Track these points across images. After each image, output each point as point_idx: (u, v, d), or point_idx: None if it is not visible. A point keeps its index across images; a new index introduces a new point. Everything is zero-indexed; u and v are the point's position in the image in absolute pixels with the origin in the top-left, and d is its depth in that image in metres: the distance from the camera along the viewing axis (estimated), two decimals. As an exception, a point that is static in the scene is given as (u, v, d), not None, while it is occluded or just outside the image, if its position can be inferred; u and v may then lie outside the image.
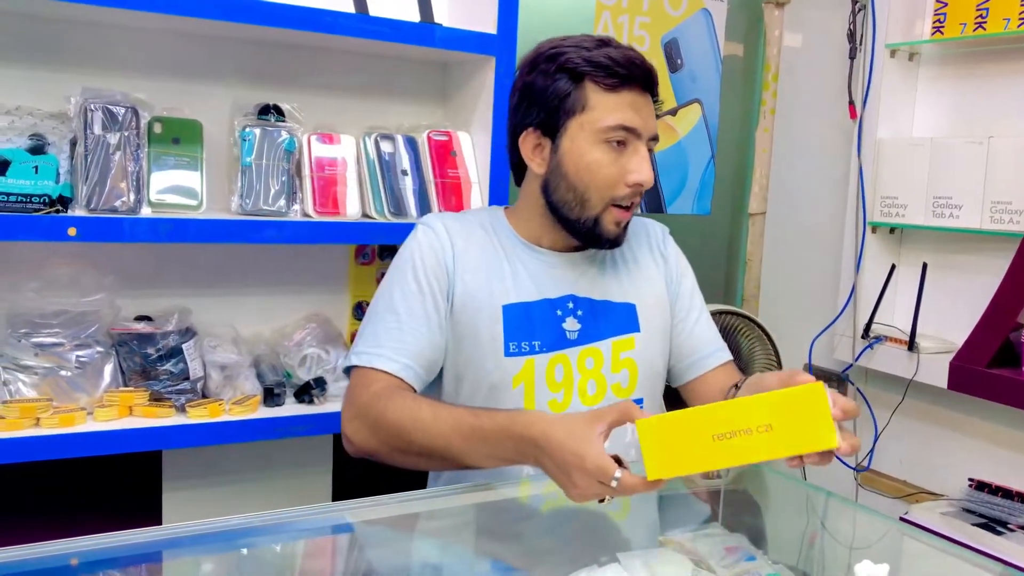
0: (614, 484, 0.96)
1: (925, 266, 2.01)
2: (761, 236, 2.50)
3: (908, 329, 2.02)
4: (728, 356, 1.45)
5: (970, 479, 1.92)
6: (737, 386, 1.30)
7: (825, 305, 2.27)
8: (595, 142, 1.24)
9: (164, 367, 1.60)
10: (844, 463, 2.22)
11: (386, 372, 1.23)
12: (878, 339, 2.10)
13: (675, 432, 0.95)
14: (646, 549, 1.08)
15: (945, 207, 1.96)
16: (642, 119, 1.24)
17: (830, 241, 2.29)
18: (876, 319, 2.10)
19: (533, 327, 1.29)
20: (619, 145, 1.23)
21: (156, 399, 1.59)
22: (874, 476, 2.19)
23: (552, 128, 1.27)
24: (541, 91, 1.26)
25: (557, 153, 1.27)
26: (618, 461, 0.98)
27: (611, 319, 1.35)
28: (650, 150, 1.28)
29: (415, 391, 1.25)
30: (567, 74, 1.24)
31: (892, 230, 2.14)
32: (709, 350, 1.43)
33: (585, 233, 1.29)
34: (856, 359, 2.14)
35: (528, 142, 1.30)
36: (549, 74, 1.26)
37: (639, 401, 1.35)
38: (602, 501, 1.01)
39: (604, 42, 1.25)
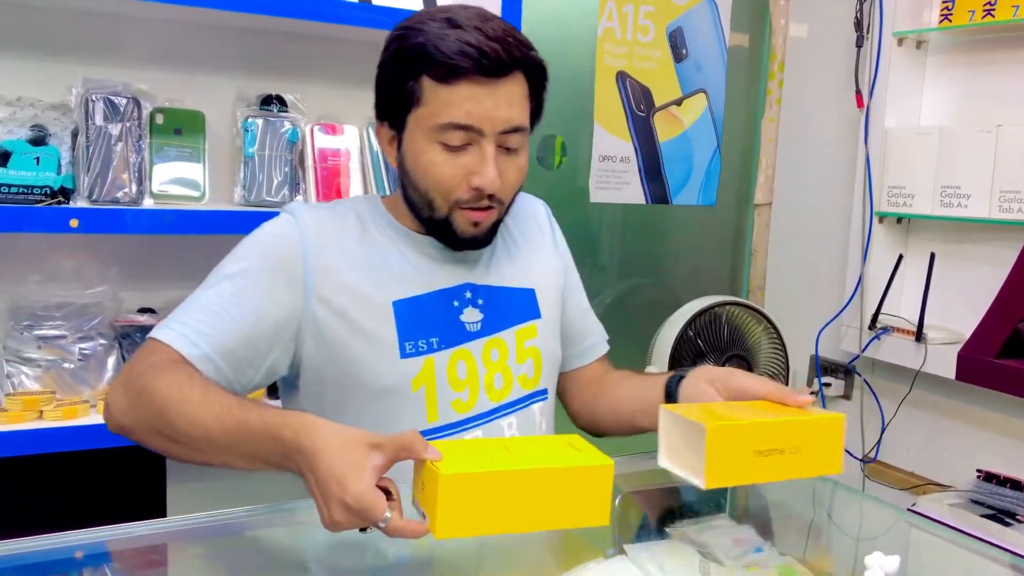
0: (382, 525, 0.85)
1: (933, 256, 1.99)
2: (767, 227, 2.48)
3: (915, 319, 2.00)
4: (607, 346, 1.40)
5: (978, 470, 1.90)
6: (681, 377, 1.19)
7: (831, 296, 2.26)
8: (429, 141, 1.10)
9: (167, 359, 1.60)
10: (851, 454, 2.21)
11: (181, 354, 1.05)
12: (885, 330, 2.08)
13: (738, 442, 0.95)
14: (653, 541, 1.07)
15: (953, 196, 1.94)
16: (485, 113, 1.08)
17: (837, 231, 2.27)
18: (883, 309, 2.08)
19: (428, 322, 1.17)
20: (458, 148, 1.10)
21: (159, 391, 1.58)
22: (881, 467, 2.18)
23: (397, 121, 1.14)
24: (384, 80, 1.14)
25: (402, 149, 1.15)
26: (388, 493, 0.87)
27: (513, 306, 1.25)
28: (511, 148, 1.12)
29: None
30: (403, 63, 1.10)
31: (899, 220, 2.12)
32: (594, 339, 1.38)
33: (441, 235, 1.17)
34: (863, 350, 2.13)
35: (382, 134, 1.19)
36: (390, 61, 1.13)
37: (542, 392, 1.26)
38: (364, 530, 0.90)
39: (453, 22, 1.08)
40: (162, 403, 0.98)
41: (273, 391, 1.66)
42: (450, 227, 1.15)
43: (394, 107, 1.14)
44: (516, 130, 1.11)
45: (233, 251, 1.15)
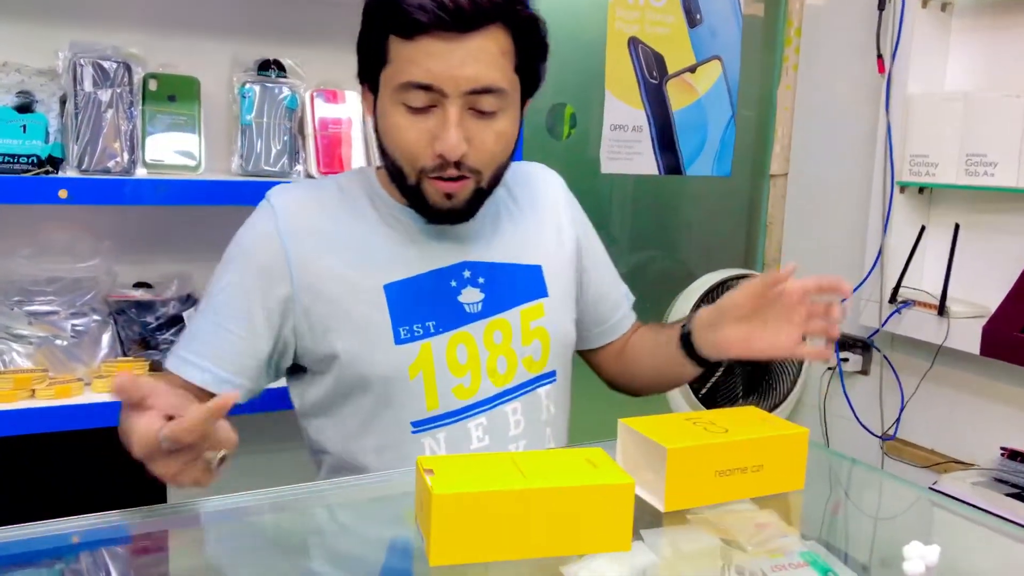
0: (163, 435, 0.81)
1: (957, 227, 1.93)
2: (783, 198, 2.43)
3: (938, 293, 1.94)
4: (633, 316, 1.36)
5: (1002, 448, 1.85)
6: (689, 332, 1.19)
7: (850, 269, 2.19)
8: (394, 103, 1.03)
9: (164, 336, 1.55)
10: (870, 432, 2.16)
11: (192, 384, 1.07)
12: (906, 303, 2.02)
13: (700, 463, 0.94)
14: (671, 526, 1.02)
15: (979, 165, 1.87)
16: (447, 71, 0.99)
17: (856, 202, 2.21)
18: (904, 283, 2.03)
19: (424, 305, 1.10)
20: (422, 110, 1.02)
21: (156, 369, 1.53)
22: (900, 445, 2.12)
23: (372, 83, 1.07)
24: (359, 40, 1.08)
25: (376, 112, 1.08)
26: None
27: (517, 284, 1.17)
28: (484, 111, 1.03)
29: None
30: (371, 19, 1.04)
31: (921, 190, 2.05)
32: (621, 313, 1.32)
33: (416, 206, 1.10)
34: (883, 324, 2.07)
35: (364, 98, 1.12)
36: (363, 20, 1.06)
37: (550, 375, 1.19)
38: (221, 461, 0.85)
39: None
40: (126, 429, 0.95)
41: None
42: (422, 197, 1.07)
43: (368, 68, 1.08)
44: (488, 91, 1.02)
45: (225, 253, 1.13)
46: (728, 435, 0.97)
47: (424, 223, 1.13)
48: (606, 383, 1.39)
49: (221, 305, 1.09)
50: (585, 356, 1.36)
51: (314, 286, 1.09)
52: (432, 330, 1.11)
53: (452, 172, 1.04)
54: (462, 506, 0.78)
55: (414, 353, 1.10)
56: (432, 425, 1.13)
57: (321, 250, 1.10)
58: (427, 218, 1.11)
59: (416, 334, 1.10)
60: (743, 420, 1.03)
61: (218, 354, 1.08)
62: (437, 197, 1.06)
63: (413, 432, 1.12)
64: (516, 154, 1.73)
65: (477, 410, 1.14)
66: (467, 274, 1.15)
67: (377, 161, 1.65)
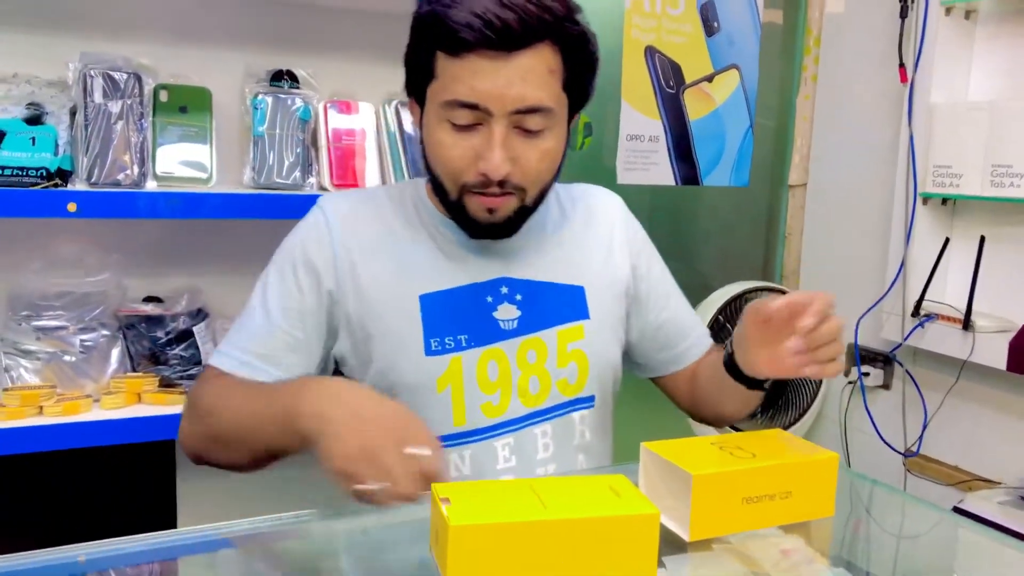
0: (424, 452, 0.84)
1: (983, 239, 1.89)
2: (802, 209, 2.39)
3: (963, 307, 1.90)
4: (710, 340, 1.29)
5: (1030, 466, 1.82)
6: (731, 354, 1.13)
7: (871, 281, 2.16)
8: (439, 119, 1.02)
9: (174, 351, 1.53)
10: (892, 448, 2.12)
11: (238, 377, 1.07)
12: (929, 317, 1.98)
13: (726, 490, 0.90)
14: (694, 552, 0.98)
15: (1005, 176, 1.83)
16: (492, 90, 0.98)
17: (877, 214, 2.17)
18: (927, 296, 1.98)
19: (458, 318, 1.10)
20: (467, 127, 1.01)
21: (166, 385, 1.52)
22: (924, 462, 2.08)
23: (419, 96, 1.07)
24: (407, 53, 1.07)
25: (422, 126, 1.08)
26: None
27: (555, 304, 1.15)
28: (530, 130, 1.01)
29: None
30: (419, 34, 1.03)
31: (945, 201, 2.01)
32: (689, 342, 1.27)
33: (459, 220, 1.09)
34: (905, 338, 2.03)
35: (412, 111, 1.12)
36: (411, 32, 1.05)
37: (587, 400, 1.16)
38: (361, 497, 0.84)
39: None
40: (208, 409, 1.02)
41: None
42: (464, 212, 1.06)
43: (416, 81, 1.06)
44: (535, 110, 1.00)
45: (275, 254, 1.14)
46: (755, 460, 0.93)
47: (467, 237, 1.12)
48: (685, 412, 1.34)
49: (273, 305, 1.10)
50: (658, 384, 1.32)
51: (357, 291, 1.10)
52: (464, 344, 1.10)
53: (495, 190, 1.03)
54: (479, 538, 0.75)
55: (443, 366, 1.09)
56: (458, 441, 1.11)
57: (366, 257, 1.11)
58: (469, 232, 1.11)
59: (447, 347, 1.09)
60: (770, 444, 0.99)
61: (270, 353, 1.08)
62: (479, 212, 1.05)
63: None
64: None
65: (504, 430, 1.11)
66: (504, 290, 1.13)
67: (391, 172, 1.64)
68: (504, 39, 0.96)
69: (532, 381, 1.12)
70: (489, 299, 1.12)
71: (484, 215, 1.05)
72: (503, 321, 1.12)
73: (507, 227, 1.08)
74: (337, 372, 1.19)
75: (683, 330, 1.27)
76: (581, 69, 1.05)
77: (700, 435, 1.84)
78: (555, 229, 1.19)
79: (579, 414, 1.16)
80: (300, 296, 1.10)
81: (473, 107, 0.99)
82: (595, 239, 1.21)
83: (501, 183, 1.02)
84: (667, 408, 2.06)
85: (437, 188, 1.08)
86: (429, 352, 1.09)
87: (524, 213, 1.08)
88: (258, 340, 1.08)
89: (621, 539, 0.79)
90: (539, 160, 1.03)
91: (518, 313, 1.12)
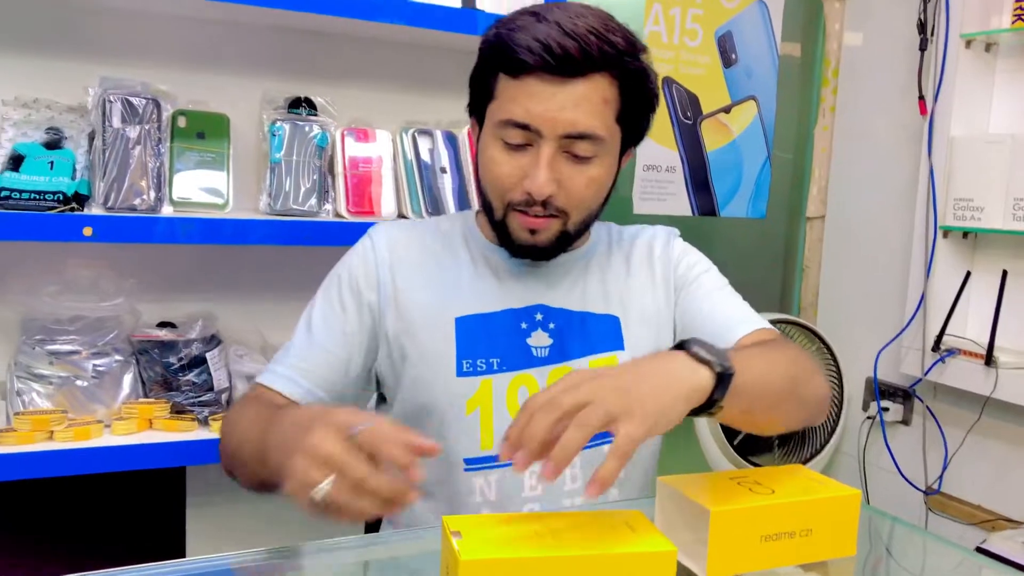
0: (359, 429, 0.76)
1: (1005, 273, 1.86)
2: (820, 241, 2.37)
3: (985, 341, 1.87)
4: (760, 324, 1.17)
5: (1055, 506, 1.78)
6: None
7: (891, 315, 2.13)
8: (494, 137, 1.07)
9: (187, 377, 1.51)
10: (913, 485, 2.08)
11: (279, 392, 1.09)
12: (950, 352, 1.95)
13: (746, 527, 0.87)
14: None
15: (1027, 209, 1.81)
16: (546, 113, 1.01)
17: (896, 246, 2.15)
18: (948, 330, 1.96)
19: (492, 342, 1.12)
20: (519, 147, 1.04)
21: (178, 411, 1.50)
22: (945, 500, 2.04)
23: (480, 115, 1.11)
24: (472, 73, 1.12)
25: (479, 144, 1.12)
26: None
27: (589, 334, 1.15)
28: (579, 156, 1.04)
29: None
30: (484, 56, 1.08)
31: (966, 234, 1.99)
32: (725, 325, 1.16)
33: (502, 240, 1.12)
34: (925, 373, 2.00)
35: (472, 129, 1.16)
36: (479, 55, 1.10)
37: None
38: (321, 509, 0.75)
39: (540, 17, 1.02)
40: (230, 428, 1.04)
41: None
42: (507, 231, 1.10)
43: (477, 101, 1.11)
44: (585, 137, 1.03)
45: (325, 280, 1.18)
46: (775, 496, 0.90)
47: (509, 263, 1.15)
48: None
49: (317, 324, 1.14)
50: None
51: (397, 310, 1.13)
52: (495, 367, 1.11)
53: (538, 210, 1.06)
54: (490, 573, 0.73)
55: (474, 387, 1.10)
56: (485, 465, 1.11)
57: (408, 278, 1.14)
58: (511, 252, 1.13)
59: (479, 369, 1.11)
60: (790, 480, 0.97)
61: (308, 369, 1.11)
62: (521, 232, 1.08)
63: (466, 470, 1.11)
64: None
65: None
66: (539, 317, 1.14)
67: (408, 200, 1.63)
68: (562, 65, 1.00)
69: None
70: (524, 325, 1.13)
71: (526, 236, 1.08)
72: (535, 348, 1.13)
73: (548, 250, 1.11)
74: (380, 395, 1.21)
75: (726, 317, 1.17)
76: (637, 104, 1.08)
77: (717, 470, 1.80)
78: (599, 262, 1.20)
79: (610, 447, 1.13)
80: (343, 315, 1.13)
81: (525, 127, 1.03)
82: (637, 271, 1.20)
83: (544, 204, 1.05)
84: (682, 442, 2.04)
85: (486, 208, 1.12)
86: (460, 373, 1.10)
87: (565, 239, 1.10)
88: (299, 356, 1.12)
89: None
90: (585, 186, 1.06)
91: (550, 341, 1.13)
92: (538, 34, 1.00)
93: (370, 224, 1.55)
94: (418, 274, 1.14)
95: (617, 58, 1.02)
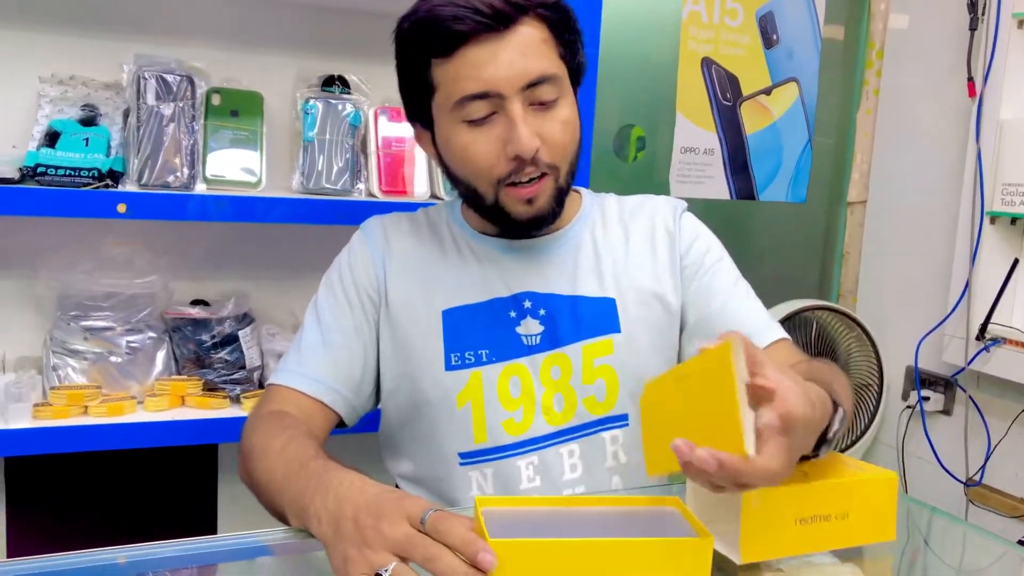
0: (428, 515, 0.73)
1: (1054, 261, 1.81)
2: (861, 226, 2.33)
3: (1031, 331, 1.83)
4: (779, 335, 1.14)
5: (1101, 500, 1.73)
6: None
7: (933, 303, 2.09)
8: (454, 123, 1.02)
9: (219, 355, 1.52)
10: (954, 476, 2.04)
11: (302, 392, 1.07)
12: (995, 341, 1.91)
13: (780, 508, 0.85)
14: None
15: (1078, 195, 1.76)
16: (498, 72, 0.98)
17: (940, 233, 2.10)
18: (994, 319, 1.91)
19: (480, 333, 1.09)
20: (483, 120, 1.00)
21: (210, 389, 1.51)
22: (986, 492, 2.00)
23: (425, 118, 1.07)
24: (400, 78, 1.08)
25: (437, 145, 1.08)
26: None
27: (581, 318, 1.10)
28: (544, 102, 1.00)
29: (337, 415, 1.09)
30: (408, 51, 1.04)
31: (1014, 220, 1.94)
32: (758, 327, 1.13)
33: (500, 221, 1.08)
34: (969, 362, 1.96)
35: (419, 137, 1.12)
36: (398, 56, 1.06)
37: (620, 419, 1.09)
38: None
39: None
40: (248, 451, 1.00)
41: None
42: (503, 212, 1.05)
43: (417, 103, 1.07)
44: (543, 80, 0.99)
45: (325, 276, 1.16)
46: (809, 479, 0.88)
47: (496, 250, 1.12)
48: None
49: (327, 321, 1.12)
50: None
51: (393, 307, 1.11)
52: (484, 359, 1.08)
53: (531, 171, 1.01)
54: (522, 555, 0.72)
55: (463, 381, 1.07)
56: (480, 459, 1.08)
57: (395, 273, 1.12)
58: (514, 234, 1.10)
59: (467, 361, 1.08)
60: (824, 464, 0.94)
61: (323, 365, 1.09)
62: (517, 206, 1.04)
63: (461, 464, 1.09)
64: (583, 176, 1.68)
65: (527, 448, 1.08)
66: (528, 304, 1.10)
67: (440, 180, 1.62)
68: (495, 18, 0.97)
69: (556, 399, 1.08)
70: (512, 314, 1.10)
71: (524, 208, 1.04)
72: (525, 336, 1.09)
73: (550, 214, 1.06)
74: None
75: (740, 321, 1.13)
76: (569, 37, 1.05)
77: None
78: (592, 240, 1.15)
79: (610, 434, 1.10)
80: (350, 311, 1.12)
81: (484, 96, 0.99)
82: (638, 248, 1.15)
83: (534, 162, 1.01)
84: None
85: (472, 197, 1.07)
86: (449, 367, 1.08)
87: (561, 195, 1.06)
88: (315, 354, 1.09)
89: (672, 564, 0.75)
90: (562, 132, 1.02)
91: (541, 328, 1.09)
92: (458, 1, 0.97)
93: (404, 204, 1.56)
94: (403, 266, 1.13)
95: None
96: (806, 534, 0.86)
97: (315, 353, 1.09)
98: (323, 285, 1.15)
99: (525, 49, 0.99)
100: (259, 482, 0.95)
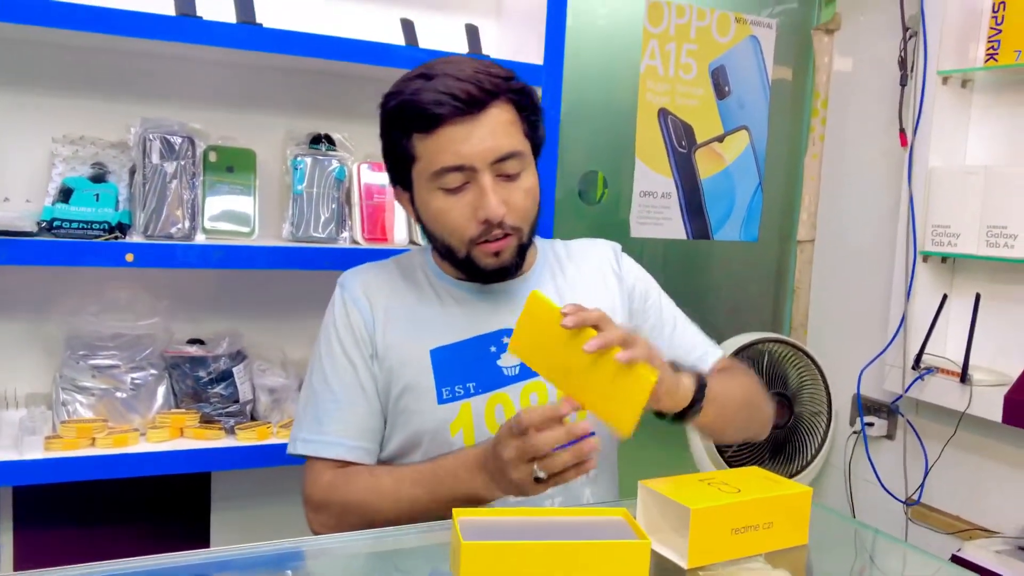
0: (522, 415, 1.00)
1: (978, 297, 1.97)
2: (809, 264, 2.47)
3: (960, 360, 1.97)
4: (719, 352, 1.37)
5: (1026, 516, 1.87)
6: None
7: (875, 335, 2.23)
8: (432, 190, 1.17)
9: (215, 390, 1.64)
10: (894, 496, 2.18)
11: (334, 460, 1.21)
12: (929, 370, 2.05)
13: (720, 522, 1.00)
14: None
15: (999, 236, 1.92)
16: (472, 149, 1.13)
17: (880, 270, 2.25)
18: (927, 350, 2.05)
19: (466, 368, 1.22)
20: (458, 189, 1.15)
21: (206, 421, 1.62)
22: (925, 511, 2.14)
23: (406, 182, 1.22)
24: (384, 147, 1.22)
25: (415, 205, 1.22)
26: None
27: None
28: (510, 174, 1.16)
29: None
30: (392, 126, 1.19)
31: (944, 259, 2.09)
32: (697, 354, 1.34)
33: (470, 271, 1.23)
34: (906, 390, 2.10)
35: (399, 196, 1.26)
36: (383, 128, 1.21)
37: (591, 435, 1.24)
38: (539, 481, 1.02)
39: (426, 76, 1.15)
40: (363, 506, 1.16)
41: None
42: (474, 264, 1.20)
43: (399, 169, 1.21)
44: (509, 156, 1.15)
45: (318, 340, 1.28)
46: (742, 495, 1.03)
47: (471, 294, 1.25)
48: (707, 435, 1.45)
49: (336, 384, 1.23)
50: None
51: (385, 354, 1.23)
52: (472, 391, 1.22)
53: (497, 233, 1.17)
54: (489, 556, 0.87)
55: (455, 412, 1.21)
56: None
57: (383, 322, 1.24)
58: (481, 280, 1.24)
59: (457, 394, 1.21)
60: (751, 480, 1.09)
61: (345, 427, 1.22)
62: (486, 259, 1.19)
63: None
64: (548, 219, 1.82)
65: None
66: (506, 340, 1.23)
67: (417, 227, 1.75)
68: (469, 104, 1.12)
69: None
70: (492, 348, 1.24)
71: (491, 260, 1.19)
72: (506, 368, 1.23)
73: (512, 266, 1.22)
74: None
75: (686, 348, 1.34)
76: (533, 117, 1.21)
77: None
78: (551, 276, 1.31)
79: None
80: (353, 369, 1.23)
81: (460, 168, 1.14)
82: (591, 283, 1.33)
83: (500, 225, 1.16)
84: (676, 458, 2.13)
85: (445, 252, 1.22)
86: (441, 400, 1.21)
87: (523, 251, 1.22)
88: (334, 419, 1.22)
89: (616, 563, 0.89)
90: (524, 198, 1.18)
91: (518, 360, 1.22)
92: (438, 87, 1.12)
93: (385, 251, 1.69)
94: (392, 313, 1.24)
95: (505, 84, 1.16)
96: (740, 541, 1.02)
97: (332, 418, 1.22)
98: (321, 349, 1.26)
99: (495, 129, 1.14)
100: (398, 511, 1.14)
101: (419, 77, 1.15)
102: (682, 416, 1.14)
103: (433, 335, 1.23)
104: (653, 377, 0.98)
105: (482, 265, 1.20)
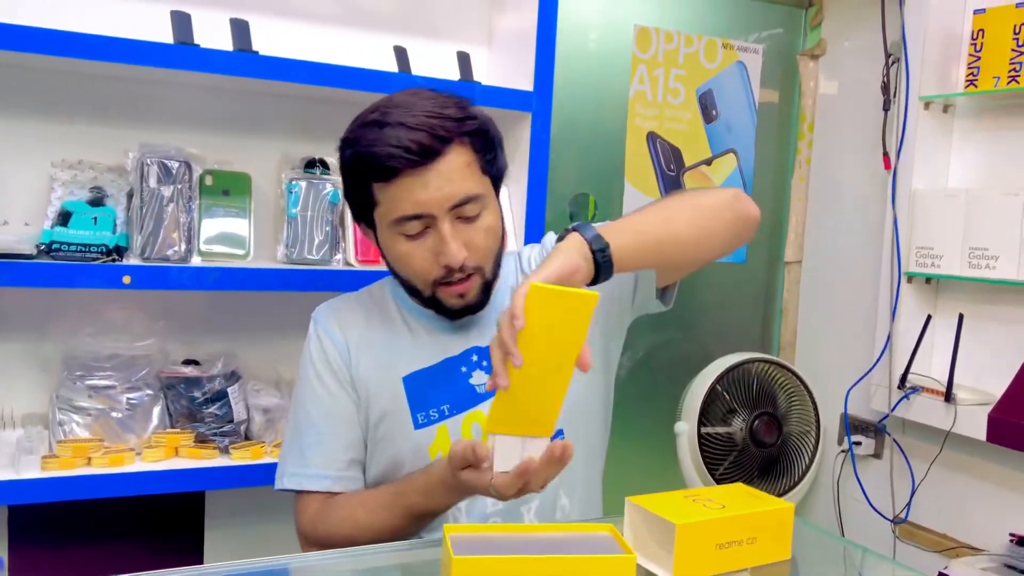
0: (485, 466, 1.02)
1: (961, 317, 2.00)
2: (797, 284, 2.51)
3: (945, 380, 1.99)
4: None
5: (1011, 534, 1.88)
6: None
7: (861, 354, 2.26)
8: (393, 235, 1.18)
9: (209, 410, 1.66)
10: (881, 515, 2.20)
11: (319, 492, 1.24)
12: (914, 390, 2.07)
13: (704, 537, 1.02)
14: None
15: (981, 258, 1.95)
16: (429, 198, 1.13)
17: (866, 290, 2.28)
18: (912, 369, 2.08)
19: (438, 391, 1.24)
20: (419, 235, 1.16)
21: (201, 441, 1.64)
22: (912, 529, 2.16)
23: (368, 221, 1.22)
24: (345, 190, 1.23)
25: (380, 244, 1.24)
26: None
27: None
28: (469, 217, 1.16)
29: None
30: (350, 173, 1.19)
31: (928, 280, 2.12)
32: (647, 274, 1.30)
33: (436, 310, 1.24)
34: (892, 409, 2.12)
35: (365, 233, 1.27)
36: (343, 172, 1.21)
37: (558, 434, 1.26)
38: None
39: (380, 123, 1.13)
40: (346, 537, 1.18)
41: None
42: (439, 303, 1.22)
43: (360, 210, 1.22)
44: (467, 200, 1.15)
45: (298, 376, 1.30)
46: (726, 511, 1.05)
47: (440, 321, 1.27)
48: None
49: (315, 415, 1.26)
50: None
51: (361, 384, 1.26)
52: (447, 412, 1.24)
53: (459, 276, 1.18)
54: (477, 569, 0.89)
55: (432, 436, 1.24)
56: None
57: (361, 353, 1.26)
58: (449, 317, 1.25)
59: (432, 418, 1.24)
60: (735, 496, 1.12)
61: (328, 459, 1.24)
62: (452, 300, 1.21)
63: None
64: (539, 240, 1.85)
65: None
66: (475, 358, 1.26)
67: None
68: (422, 155, 1.12)
69: None
70: (463, 369, 1.26)
71: (456, 301, 1.21)
72: (478, 386, 1.25)
73: (478, 303, 1.23)
74: None
75: (641, 276, 1.31)
76: (490, 152, 1.20)
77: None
78: (512, 289, 1.30)
79: None
80: (333, 401, 1.26)
81: (418, 216, 1.14)
82: None
83: (462, 268, 1.17)
84: (667, 478, 2.15)
85: (411, 290, 1.23)
86: (417, 426, 1.23)
87: (488, 287, 1.23)
88: (319, 453, 1.24)
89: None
90: (484, 238, 1.19)
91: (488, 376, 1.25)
92: (390, 140, 1.11)
93: (378, 272, 1.72)
94: (364, 343, 1.26)
95: (459, 127, 1.14)
96: (724, 556, 1.04)
97: (315, 451, 1.24)
98: (302, 384, 1.28)
99: (451, 175, 1.14)
100: (380, 537, 1.17)
101: (373, 124, 1.14)
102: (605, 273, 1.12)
103: (405, 362, 1.25)
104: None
105: (448, 305, 1.21)
